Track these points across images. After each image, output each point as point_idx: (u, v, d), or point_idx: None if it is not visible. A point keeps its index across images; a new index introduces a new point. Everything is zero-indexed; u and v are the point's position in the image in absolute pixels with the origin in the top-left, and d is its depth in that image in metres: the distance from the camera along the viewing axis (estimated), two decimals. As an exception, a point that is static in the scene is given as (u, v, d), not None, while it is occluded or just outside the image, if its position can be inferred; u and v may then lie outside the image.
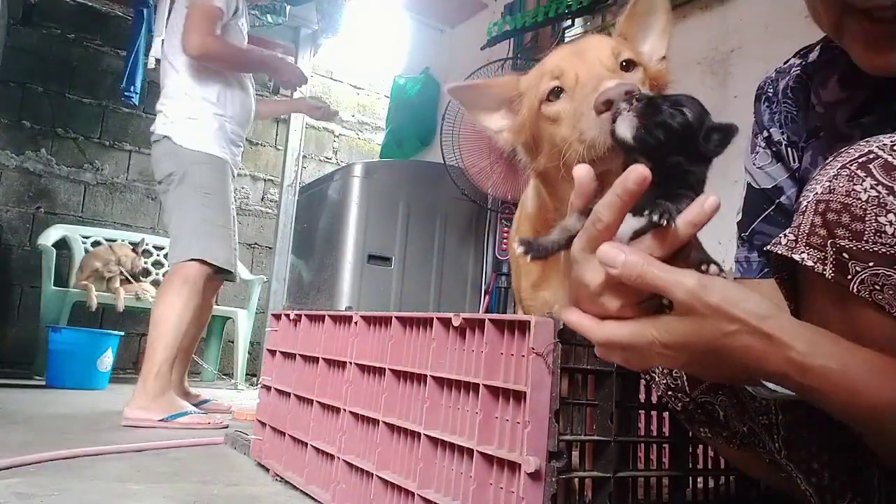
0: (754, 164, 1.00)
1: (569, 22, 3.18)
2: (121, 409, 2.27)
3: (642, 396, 1.06)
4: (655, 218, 0.58)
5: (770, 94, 1.00)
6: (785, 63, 1.01)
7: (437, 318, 1.07)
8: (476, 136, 2.84)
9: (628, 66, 0.90)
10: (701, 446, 1.13)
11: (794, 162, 0.96)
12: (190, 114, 2.58)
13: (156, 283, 3.94)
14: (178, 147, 2.55)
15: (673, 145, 0.60)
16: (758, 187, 0.99)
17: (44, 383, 3.31)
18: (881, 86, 0.82)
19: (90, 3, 4.38)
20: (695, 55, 2.57)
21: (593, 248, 0.61)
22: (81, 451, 1.59)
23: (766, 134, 0.99)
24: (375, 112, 5.42)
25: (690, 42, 2.61)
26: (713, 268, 0.61)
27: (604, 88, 0.76)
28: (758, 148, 1.00)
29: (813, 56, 0.97)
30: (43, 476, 1.36)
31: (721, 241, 1.48)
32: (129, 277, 3.86)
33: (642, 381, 1.06)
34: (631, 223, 0.61)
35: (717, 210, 0.59)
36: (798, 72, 0.97)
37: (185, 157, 2.53)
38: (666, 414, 1.08)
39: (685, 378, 0.90)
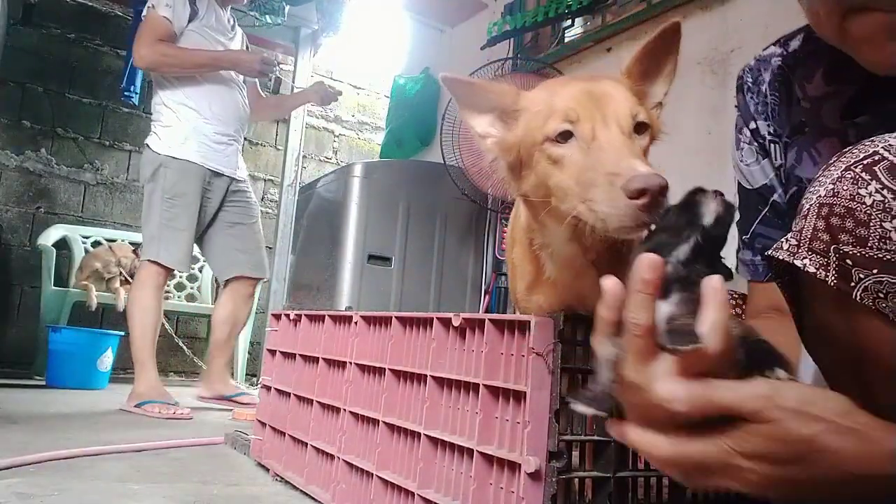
0: (742, 161, 0.97)
1: (569, 22, 3.18)
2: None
3: (642, 396, 1.06)
4: (682, 349, 0.56)
5: (750, 84, 0.97)
6: (764, 50, 0.97)
7: (437, 318, 1.07)
8: (476, 136, 2.84)
9: (640, 128, 0.85)
10: (701, 446, 1.13)
11: (778, 158, 0.93)
12: (165, 121, 2.75)
13: (156, 283, 3.94)
14: (151, 153, 2.74)
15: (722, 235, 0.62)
16: (749, 187, 0.97)
17: (44, 383, 3.31)
18: (870, 81, 0.80)
19: (90, 3, 4.38)
20: (695, 55, 2.57)
21: (646, 359, 0.59)
22: (81, 451, 1.59)
23: (752, 125, 0.96)
24: (375, 112, 5.42)
25: (690, 42, 2.60)
26: (780, 372, 0.59)
27: (637, 173, 0.70)
28: (742, 144, 0.97)
29: (795, 44, 0.93)
30: (43, 476, 1.36)
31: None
32: (129, 278, 3.86)
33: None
34: (663, 311, 0.59)
35: (724, 294, 0.57)
36: (779, 62, 0.94)
37: (156, 162, 2.72)
38: (666, 414, 1.08)
39: None
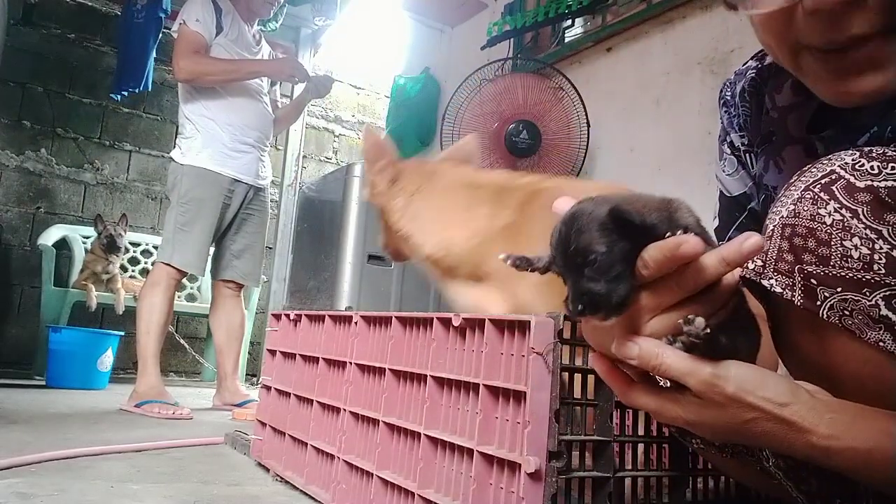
0: (724, 171, 0.99)
1: (569, 22, 3.18)
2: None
3: (642, 396, 1.06)
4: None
5: (728, 98, 0.99)
6: (743, 65, 1.00)
7: (437, 318, 1.07)
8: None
9: None
10: (701, 446, 1.13)
11: (753, 168, 0.95)
12: (186, 133, 2.87)
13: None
14: (173, 164, 2.87)
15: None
16: (729, 195, 0.99)
17: (44, 383, 3.31)
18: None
19: (90, 3, 4.38)
20: (695, 55, 2.57)
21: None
22: (81, 451, 1.59)
23: (729, 139, 0.98)
24: (375, 112, 5.42)
25: (690, 42, 2.61)
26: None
27: None
28: (725, 155, 0.99)
29: (770, 58, 0.94)
30: (43, 476, 1.36)
31: (721, 241, 1.48)
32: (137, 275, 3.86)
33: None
34: None
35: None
36: (753, 74, 0.96)
37: (177, 172, 2.84)
38: (666, 414, 1.08)
39: None
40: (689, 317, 0.55)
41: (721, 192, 1.00)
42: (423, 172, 1.55)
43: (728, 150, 0.98)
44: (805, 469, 0.72)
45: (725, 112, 0.98)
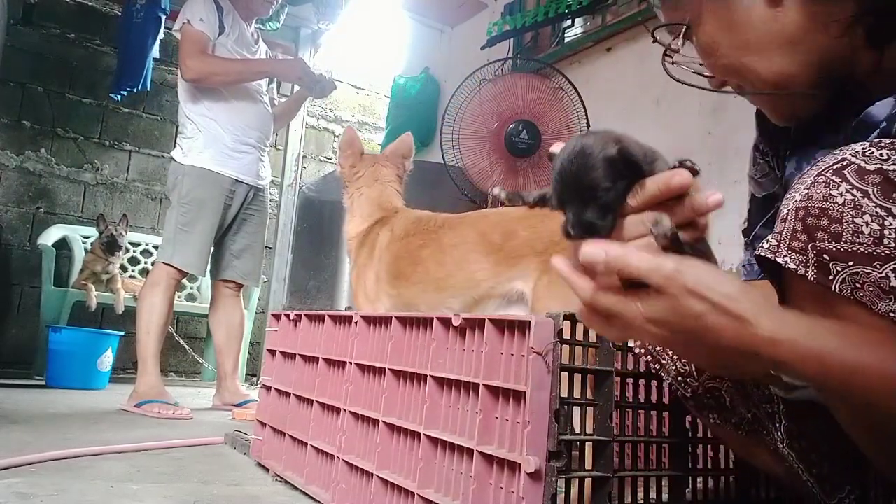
0: (755, 175, 1.03)
1: (569, 22, 3.18)
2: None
3: (642, 396, 1.06)
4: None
5: None
6: None
7: (437, 318, 1.07)
8: (476, 136, 2.84)
9: None
10: (701, 446, 1.13)
11: (779, 172, 0.98)
12: (188, 133, 2.85)
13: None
14: (174, 164, 2.85)
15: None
16: (759, 195, 1.02)
17: (44, 383, 3.31)
18: (854, 97, 0.84)
19: (90, 3, 4.38)
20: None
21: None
22: (81, 451, 1.59)
23: (760, 145, 1.02)
24: (375, 112, 5.42)
25: (690, 42, 2.60)
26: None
27: None
28: (758, 160, 1.03)
29: None
30: (43, 476, 1.36)
31: (721, 241, 1.48)
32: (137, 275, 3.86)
33: (642, 381, 1.06)
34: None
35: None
36: None
37: (178, 172, 2.82)
38: (666, 414, 1.08)
39: (693, 364, 0.92)
40: (657, 216, 0.61)
41: (752, 192, 1.04)
42: (370, 172, 2.19)
43: (759, 155, 1.02)
44: (817, 453, 0.73)
45: (758, 118, 1.02)
